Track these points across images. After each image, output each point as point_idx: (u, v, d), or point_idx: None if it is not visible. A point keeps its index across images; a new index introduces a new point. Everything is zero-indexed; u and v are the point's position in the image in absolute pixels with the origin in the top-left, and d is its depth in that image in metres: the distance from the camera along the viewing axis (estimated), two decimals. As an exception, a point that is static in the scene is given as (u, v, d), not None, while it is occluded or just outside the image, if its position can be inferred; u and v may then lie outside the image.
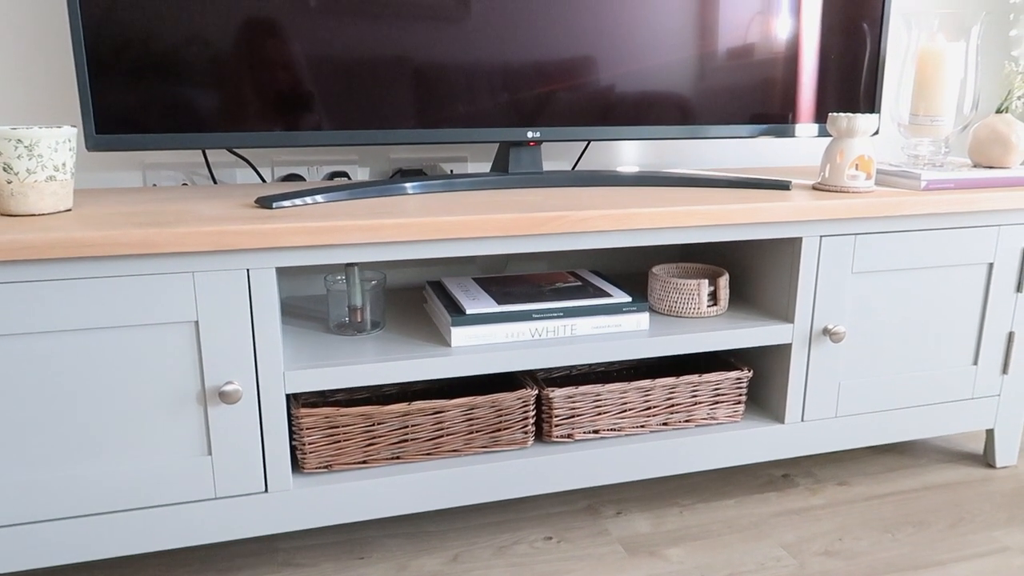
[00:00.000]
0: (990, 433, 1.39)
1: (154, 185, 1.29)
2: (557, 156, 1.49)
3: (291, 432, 1.07)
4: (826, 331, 1.20)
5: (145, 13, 1.02)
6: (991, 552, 1.15)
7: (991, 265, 1.27)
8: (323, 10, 1.08)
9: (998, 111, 1.34)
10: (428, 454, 1.10)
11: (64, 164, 0.96)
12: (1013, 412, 1.36)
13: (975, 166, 1.33)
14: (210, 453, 0.98)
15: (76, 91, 1.23)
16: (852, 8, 1.32)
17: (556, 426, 1.15)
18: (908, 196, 1.17)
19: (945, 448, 1.47)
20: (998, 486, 1.34)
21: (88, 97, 1.02)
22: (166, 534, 0.99)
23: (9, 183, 0.93)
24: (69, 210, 1.00)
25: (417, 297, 1.33)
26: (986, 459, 1.42)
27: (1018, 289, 1.29)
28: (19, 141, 0.91)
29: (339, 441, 1.06)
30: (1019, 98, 1.34)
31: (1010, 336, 1.32)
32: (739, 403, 1.23)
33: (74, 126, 1.04)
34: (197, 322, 0.94)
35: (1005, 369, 1.33)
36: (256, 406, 0.98)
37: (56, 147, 0.94)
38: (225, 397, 0.95)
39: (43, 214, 0.96)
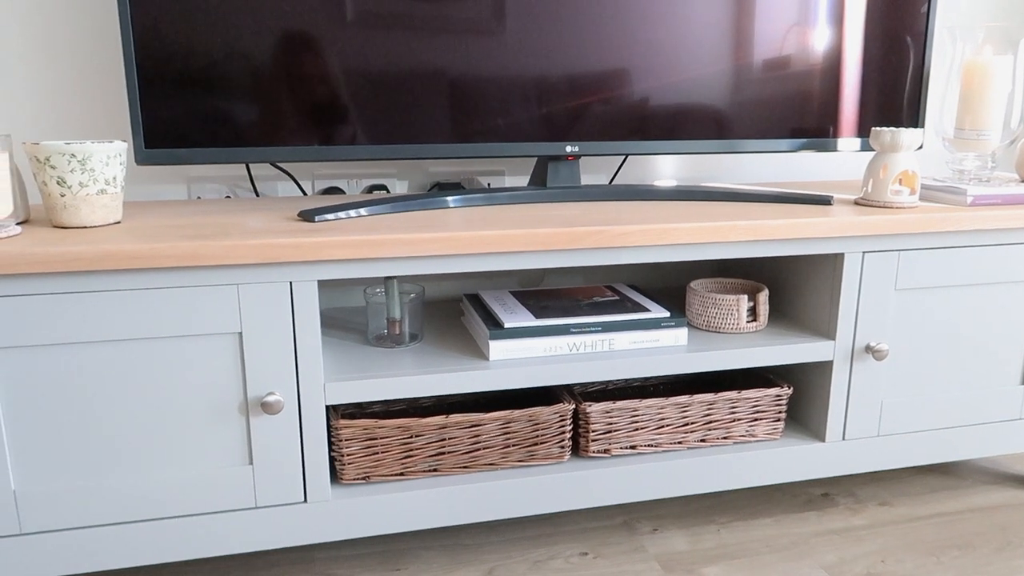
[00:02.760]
0: (1038, 455, 1.36)
1: (198, 198, 1.32)
2: (593, 170, 1.49)
3: (330, 443, 1.08)
4: (868, 348, 1.18)
5: (192, 32, 1.04)
6: (1040, 578, 1.13)
7: (1040, 283, 1.24)
8: (362, 26, 1.10)
9: (1047, 125, 1.31)
10: (465, 467, 1.11)
11: (115, 178, 0.98)
12: (1063, 433, 1.32)
13: (1023, 181, 1.30)
14: (251, 463, 1.00)
15: (126, 107, 1.26)
16: (896, 21, 1.30)
17: (593, 441, 1.14)
18: (954, 212, 1.15)
19: (991, 469, 1.44)
20: (1047, 510, 1.31)
21: (138, 113, 1.05)
22: (206, 542, 1.00)
23: (62, 196, 0.95)
24: (119, 222, 1.02)
25: (454, 310, 1.34)
26: (1034, 481, 1.39)
27: (1068, 307, 1.26)
28: (72, 156, 0.94)
29: (377, 453, 1.07)
30: (1069, 112, 1.31)
31: (1060, 355, 1.28)
32: (778, 420, 1.21)
33: (124, 141, 1.07)
34: (241, 333, 0.95)
35: (1054, 389, 1.30)
36: (297, 417, 0.99)
37: (107, 161, 0.97)
38: (267, 408, 0.96)
39: (94, 226, 0.98)
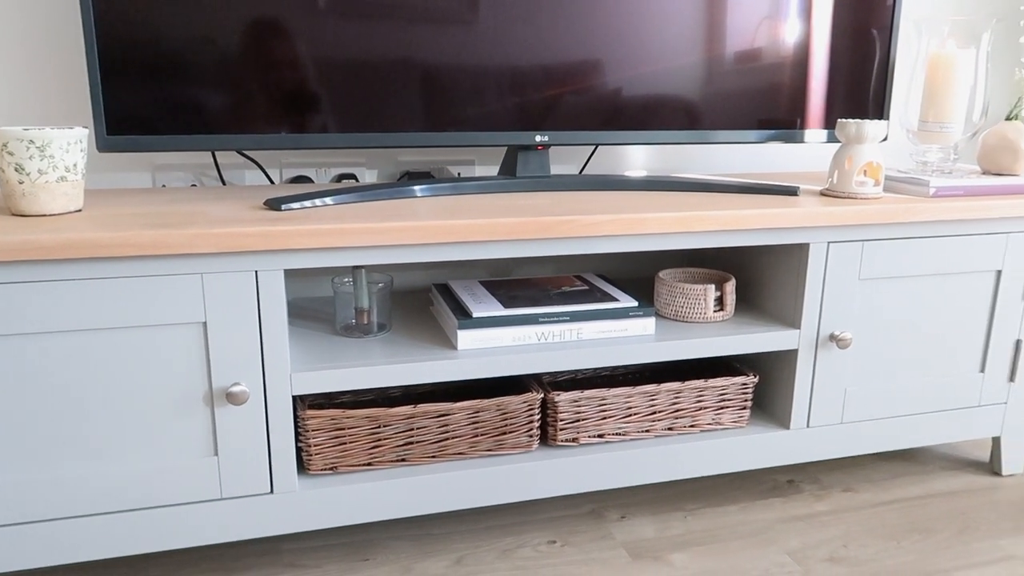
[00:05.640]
0: (996, 441, 1.39)
1: (163, 186, 1.30)
2: (565, 160, 1.49)
3: (297, 433, 1.07)
4: (833, 337, 1.20)
5: (156, 16, 1.02)
6: (996, 560, 1.15)
7: (999, 272, 1.27)
8: (332, 13, 1.08)
9: (1008, 118, 1.33)
10: (433, 456, 1.11)
11: (75, 165, 0.97)
12: (1020, 420, 1.35)
13: (984, 173, 1.33)
14: (216, 454, 0.99)
15: (88, 93, 1.24)
16: (862, 14, 1.31)
17: (561, 430, 1.15)
18: (916, 203, 1.16)
19: (951, 455, 1.47)
20: (1004, 495, 1.34)
21: (99, 99, 1.03)
22: (172, 534, 1.00)
23: (21, 183, 0.93)
24: (80, 211, 1.01)
25: (423, 300, 1.33)
26: (992, 467, 1.42)
27: (1026, 297, 1.29)
28: (31, 142, 0.92)
29: (344, 443, 1.07)
30: (1029, 105, 1.33)
31: (1017, 344, 1.31)
32: (744, 408, 1.23)
33: (85, 127, 1.05)
34: (205, 323, 0.94)
35: (1012, 377, 1.33)
36: (263, 407, 0.99)
37: (67, 148, 0.95)
38: (232, 398, 0.95)
39: (54, 214, 0.97)
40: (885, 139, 1.23)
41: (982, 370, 1.31)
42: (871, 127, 1.16)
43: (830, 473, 1.39)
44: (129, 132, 1.05)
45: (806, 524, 1.24)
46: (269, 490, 1.02)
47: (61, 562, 0.97)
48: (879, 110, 1.36)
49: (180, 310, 0.93)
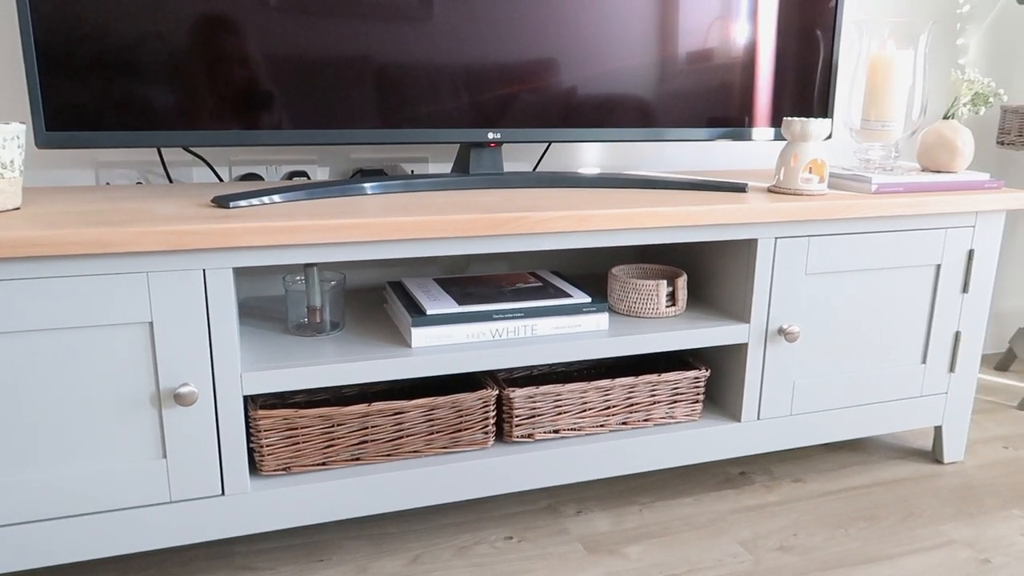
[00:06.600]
0: (938, 430, 1.43)
1: (107, 184, 1.27)
2: (520, 157, 1.50)
3: (249, 434, 1.06)
4: (781, 331, 1.22)
5: (99, 5, 1.00)
6: (938, 546, 1.19)
7: (938, 267, 1.31)
8: (284, 8, 1.07)
9: (945, 117, 1.38)
10: (388, 455, 1.10)
11: (12, 161, 0.94)
12: (960, 409, 1.40)
13: (923, 170, 1.37)
14: (165, 456, 0.97)
15: (25, 86, 1.20)
16: (806, 16, 1.34)
17: (517, 426, 1.15)
18: (859, 199, 1.20)
19: (895, 445, 1.51)
20: (945, 482, 1.38)
21: (38, 93, 1.00)
22: (120, 539, 0.97)
23: (-46, 180, 0.90)
24: (18, 209, 0.98)
25: (377, 298, 1.32)
26: (934, 455, 1.46)
27: (964, 290, 1.33)
28: (-35, 137, 0.89)
29: (298, 443, 1.05)
30: (965, 104, 1.38)
31: (957, 336, 1.35)
32: (697, 402, 1.25)
33: (23, 122, 1.02)
34: (151, 323, 0.92)
35: (952, 368, 1.37)
36: (212, 408, 0.97)
37: (3, 144, 0.92)
38: (180, 399, 0.93)
39: (-10, 212, 0.94)
40: (829, 137, 1.25)
41: (924, 361, 1.35)
42: (815, 125, 1.18)
43: (780, 464, 1.42)
44: (70, 127, 1.02)
45: (757, 514, 1.26)
46: (220, 492, 1.00)
47: (4, 570, 0.93)
48: (823, 109, 1.40)
49: (125, 310, 0.91)
